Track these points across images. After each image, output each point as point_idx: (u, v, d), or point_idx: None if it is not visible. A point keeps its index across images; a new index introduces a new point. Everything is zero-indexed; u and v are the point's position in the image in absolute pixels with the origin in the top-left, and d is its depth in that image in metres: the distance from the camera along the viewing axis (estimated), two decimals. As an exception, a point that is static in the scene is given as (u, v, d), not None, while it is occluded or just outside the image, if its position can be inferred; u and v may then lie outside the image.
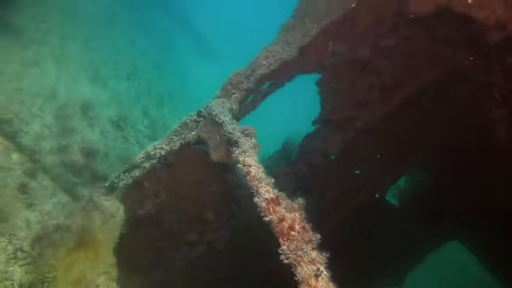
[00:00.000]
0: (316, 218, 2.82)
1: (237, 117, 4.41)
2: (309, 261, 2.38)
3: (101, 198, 4.75)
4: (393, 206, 7.81)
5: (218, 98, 4.43)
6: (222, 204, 5.54)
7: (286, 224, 2.60)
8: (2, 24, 8.20)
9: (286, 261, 2.45)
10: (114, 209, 4.66)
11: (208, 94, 4.66)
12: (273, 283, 5.28)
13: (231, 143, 3.47)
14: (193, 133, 4.47)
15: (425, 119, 5.98)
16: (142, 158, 4.75)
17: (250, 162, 3.11)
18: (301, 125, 6.64)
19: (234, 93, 4.40)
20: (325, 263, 2.40)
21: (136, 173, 4.75)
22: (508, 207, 6.05)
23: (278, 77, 4.72)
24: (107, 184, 4.90)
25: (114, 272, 4.35)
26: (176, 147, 4.59)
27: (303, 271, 2.32)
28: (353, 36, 4.67)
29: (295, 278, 2.32)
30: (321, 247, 2.51)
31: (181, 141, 4.55)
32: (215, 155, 4.00)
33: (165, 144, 4.63)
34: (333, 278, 2.33)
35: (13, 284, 4.57)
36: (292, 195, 2.87)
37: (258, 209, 2.76)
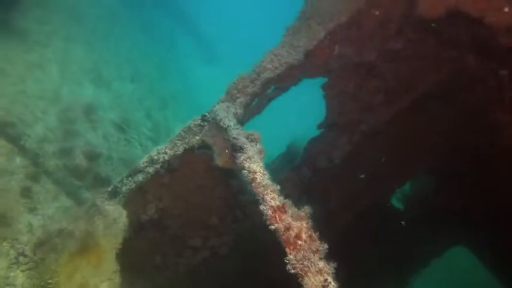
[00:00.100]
0: (320, 222, 2.76)
1: (241, 121, 4.35)
2: (317, 272, 2.32)
3: (104, 203, 4.71)
4: (398, 209, 7.76)
5: (223, 102, 4.37)
6: (226, 209, 5.49)
7: (292, 233, 2.54)
8: (7, 25, 8.22)
9: (292, 271, 2.39)
10: (117, 214, 4.61)
11: (211, 96, 4.61)
12: (277, 290, 5.23)
13: (236, 149, 3.41)
14: (197, 137, 4.41)
15: (431, 122, 5.92)
16: (146, 162, 4.70)
17: (256, 169, 3.05)
18: (305, 130, 6.59)
19: (239, 98, 4.34)
20: (332, 273, 2.34)
21: (140, 177, 4.70)
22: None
23: (283, 81, 4.66)
24: (109, 189, 4.85)
25: (117, 279, 4.30)
26: (180, 152, 4.53)
27: (310, 282, 2.27)
28: (360, 39, 4.61)
29: None
30: (328, 255, 2.46)
31: (185, 145, 4.50)
32: (220, 161, 3.94)
33: (169, 149, 4.57)
34: (338, 282, 2.29)
35: (15, 290, 4.54)
36: (297, 201, 2.81)
37: (264, 217, 2.70)
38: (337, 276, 2.31)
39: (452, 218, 7.55)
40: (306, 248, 2.45)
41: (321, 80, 5.18)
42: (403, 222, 7.13)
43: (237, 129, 3.68)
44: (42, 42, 8.92)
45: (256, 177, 2.97)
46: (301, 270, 2.35)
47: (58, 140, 7.29)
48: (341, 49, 4.61)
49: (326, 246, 2.49)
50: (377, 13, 4.33)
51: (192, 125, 4.51)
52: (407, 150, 6.15)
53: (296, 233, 2.54)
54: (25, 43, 8.42)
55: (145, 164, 4.70)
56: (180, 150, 4.52)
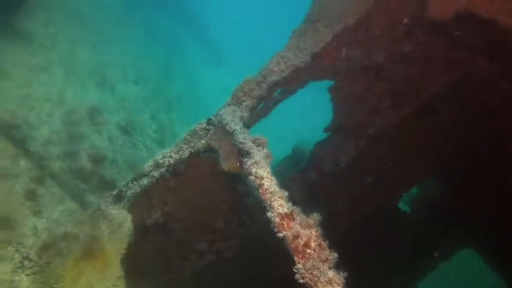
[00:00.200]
0: (326, 224, 2.70)
1: (247, 125, 4.30)
2: (326, 282, 2.26)
3: (109, 207, 4.67)
4: (404, 212, 7.68)
5: (229, 105, 4.32)
6: (231, 213, 5.44)
7: (301, 241, 2.48)
8: (12, 28, 8.22)
9: (301, 280, 2.33)
10: (122, 218, 4.57)
11: (217, 98, 4.55)
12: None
13: (242, 154, 3.35)
14: (202, 141, 4.37)
15: (439, 125, 5.84)
16: (151, 166, 4.65)
17: (263, 174, 2.98)
18: (311, 132, 6.53)
19: (245, 101, 4.28)
20: (343, 283, 2.28)
21: (145, 181, 4.66)
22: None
23: (290, 83, 4.60)
24: (114, 193, 4.81)
25: (122, 285, 4.26)
26: (185, 156, 4.48)
27: (320, 292, 2.21)
28: (368, 41, 4.53)
29: None
30: (334, 259, 2.40)
31: (190, 149, 4.45)
32: (226, 166, 3.89)
33: (174, 153, 4.53)
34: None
35: (20, 294, 4.51)
36: (303, 206, 2.75)
37: (272, 224, 2.64)
38: (344, 281, 2.26)
39: (460, 220, 7.46)
40: (315, 257, 2.39)
41: (328, 82, 5.12)
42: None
43: (243, 133, 3.63)
44: (47, 44, 8.92)
45: (263, 183, 2.91)
46: (311, 280, 2.29)
47: (63, 143, 7.28)
48: (348, 51, 4.54)
49: (336, 255, 2.42)
50: (385, 15, 4.26)
51: (198, 129, 4.46)
52: (414, 154, 6.08)
53: (305, 242, 2.48)
54: (30, 46, 8.43)
55: (151, 168, 4.65)
56: (186, 154, 4.48)
